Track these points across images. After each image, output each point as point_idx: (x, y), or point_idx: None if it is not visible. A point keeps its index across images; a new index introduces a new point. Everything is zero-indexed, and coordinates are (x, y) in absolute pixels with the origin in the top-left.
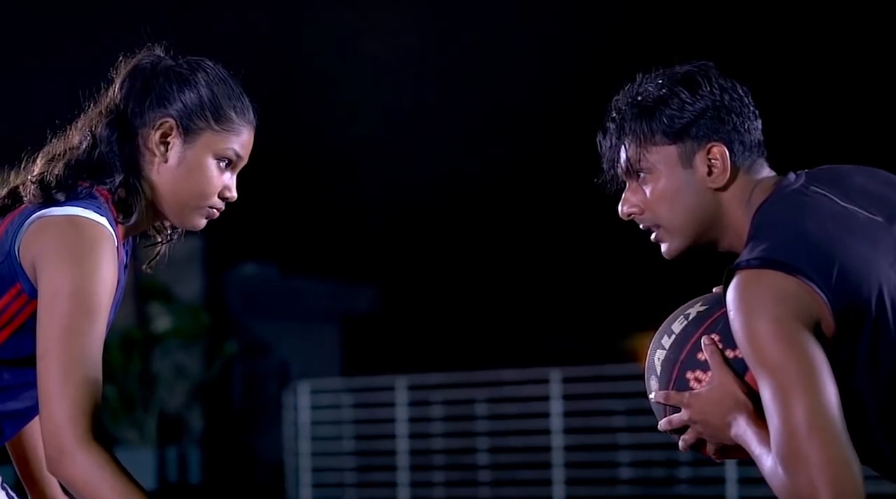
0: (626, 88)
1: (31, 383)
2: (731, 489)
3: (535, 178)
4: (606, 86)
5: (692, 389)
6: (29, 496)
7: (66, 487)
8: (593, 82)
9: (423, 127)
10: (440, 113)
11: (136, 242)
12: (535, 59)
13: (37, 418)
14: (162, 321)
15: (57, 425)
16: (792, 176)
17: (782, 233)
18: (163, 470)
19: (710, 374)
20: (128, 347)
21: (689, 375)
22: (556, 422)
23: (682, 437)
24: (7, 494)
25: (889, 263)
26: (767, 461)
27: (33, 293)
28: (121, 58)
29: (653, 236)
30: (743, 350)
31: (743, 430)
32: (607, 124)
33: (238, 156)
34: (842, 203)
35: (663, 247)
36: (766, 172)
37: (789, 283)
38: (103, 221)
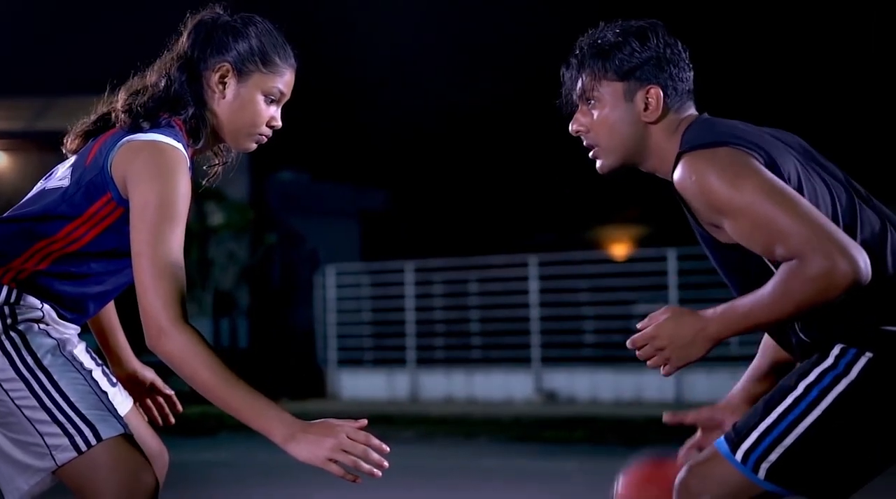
0: (590, 32)
1: (111, 271)
2: None
3: (519, 109)
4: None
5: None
6: (106, 359)
7: (163, 359)
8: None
9: (425, 65)
10: (439, 52)
11: (196, 158)
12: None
13: (111, 302)
14: (216, 217)
15: (155, 310)
16: (706, 114)
17: (718, 131)
18: (217, 337)
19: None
20: (188, 238)
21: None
22: (534, 298)
23: (649, 361)
24: (90, 356)
25: (794, 158)
26: (767, 289)
27: (121, 201)
28: (188, 14)
29: (591, 153)
30: (716, 207)
31: (720, 314)
32: (570, 59)
33: (282, 93)
34: (749, 125)
35: (598, 163)
36: (692, 111)
37: (739, 151)
38: (179, 146)
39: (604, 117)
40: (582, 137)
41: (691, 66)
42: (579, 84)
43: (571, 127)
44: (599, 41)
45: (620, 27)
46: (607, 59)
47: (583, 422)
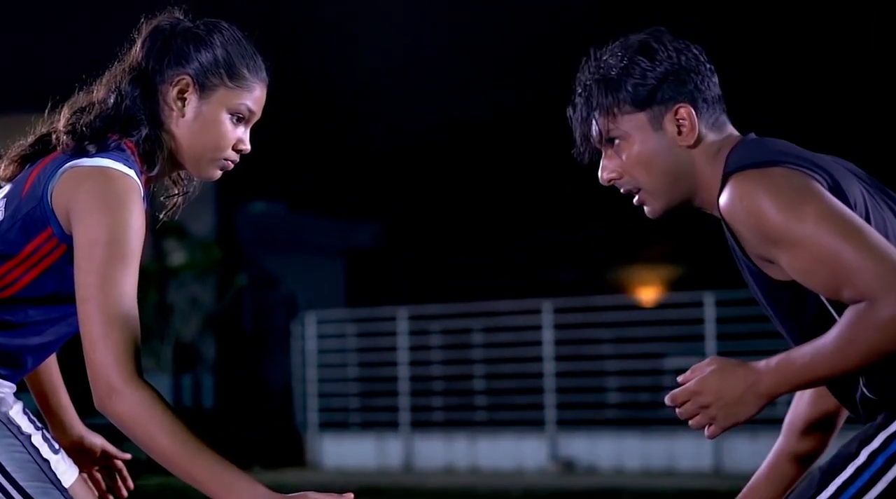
0: (587, 64)
1: (52, 319)
2: None
3: (528, 121)
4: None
5: None
6: (47, 423)
7: (114, 423)
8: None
9: (422, 73)
10: (438, 59)
11: (151, 186)
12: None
13: (52, 355)
14: (176, 256)
15: (105, 365)
16: (752, 134)
17: (770, 149)
18: (178, 396)
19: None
20: (144, 281)
21: None
22: (548, 350)
23: (691, 421)
24: (29, 418)
25: (860, 183)
26: (830, 337)
27: (63, 238)
28: (142, 19)
29: (635, 200)
30: (770, 237)
31: (775, 366)
32: (575, 100)
33: (251, 111)
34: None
35: (647, 209)
36: (730, 128)
37: (797, 172)
38: (131, 173)
39: (635, 155)
40: (616, 184)
41: (712, 68)
42: (594, 127)
43: (602, 176)
44: (602, 70)
45: (619, 48)
46: (618, 90)
47: (606, 495)
